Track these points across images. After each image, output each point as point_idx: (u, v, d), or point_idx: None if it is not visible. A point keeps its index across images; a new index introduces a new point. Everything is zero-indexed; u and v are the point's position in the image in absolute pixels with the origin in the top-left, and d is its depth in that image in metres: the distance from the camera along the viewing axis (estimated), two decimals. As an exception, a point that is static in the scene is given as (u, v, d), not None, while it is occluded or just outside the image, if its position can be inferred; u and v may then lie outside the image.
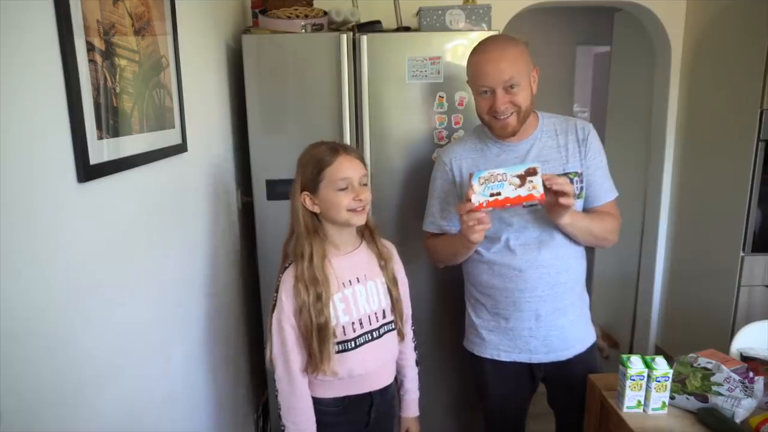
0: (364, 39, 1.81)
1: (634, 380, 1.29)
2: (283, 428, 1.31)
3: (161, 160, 1.21)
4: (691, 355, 1.34)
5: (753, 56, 2.09)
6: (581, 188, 1.47)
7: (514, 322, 1.50)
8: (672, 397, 1.31)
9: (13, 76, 0.71)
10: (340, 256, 1.32)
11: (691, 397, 1.30)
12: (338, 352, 1.29)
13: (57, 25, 0.80)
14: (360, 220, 1.29)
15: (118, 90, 0.99)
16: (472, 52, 1.43)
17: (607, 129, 3.40)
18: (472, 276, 1.58)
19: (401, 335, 1.42)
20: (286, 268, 1.30)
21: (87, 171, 0.87)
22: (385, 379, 1.41)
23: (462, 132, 1.89)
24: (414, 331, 1.52)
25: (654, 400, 1.30)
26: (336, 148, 1.27)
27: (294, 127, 1.88)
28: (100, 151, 0.91)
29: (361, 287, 1.33)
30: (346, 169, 1.25)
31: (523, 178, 1.29)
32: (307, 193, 1.26)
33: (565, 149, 1.47)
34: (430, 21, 1.90)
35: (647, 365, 1.30)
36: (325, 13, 1.93)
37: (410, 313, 1.49)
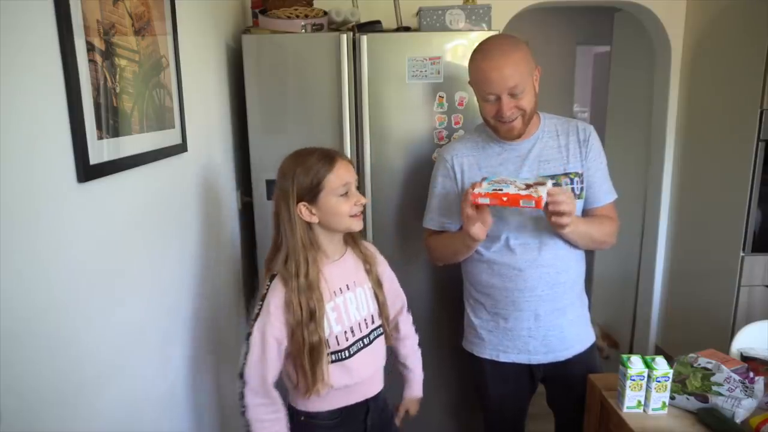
0: (364, 39, 1.81)
1: (634, 380, 1.29)
2: None
3: (161, 160, 1.21)
4: (691, 355, 1.33)
5: (753, 56, 2.09)
6: (581, 189, 1.47)
7: (513, 322, 1.50)
8: (672, 397, 1.31)
9: (14, 76, 0.71)
10: (330, 263, 1.28)
11: (691, 397, 1.30)
12: (332, 362, 1.26)
13: (57, 25, 0.80)
14: (360, 224, 1.28)
15: (118, 90, 0.99)
16: (474, 55, 1.41)
17: (607, 129, 3.40)
18: (471, 275, 1.58)
19: (389, 340, 1.40)
20: (274, 276, 1.25)
21: (87, 171, 0.87)
22: (378, 385, 1.39)
23: (462, 132, 1.89)
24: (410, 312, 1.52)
25: (654, 400, 1.30)
26: (331, 155, 1.24)
27: (294, 127, 1.88)
28: (100, 151, 0.91)
29: (351, 294, 1.30)
30: (344, 175, 1.23)
31: (529, 186, 1.30)
32: (304, 203, 1.21)
33: (566, 149, 1.47)
34: (430, 21, 1.90)
35: (647, 365, 1.30)
36: (325, 13, 1.93)
37: (404, 298, 1.48)
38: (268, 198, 1.90)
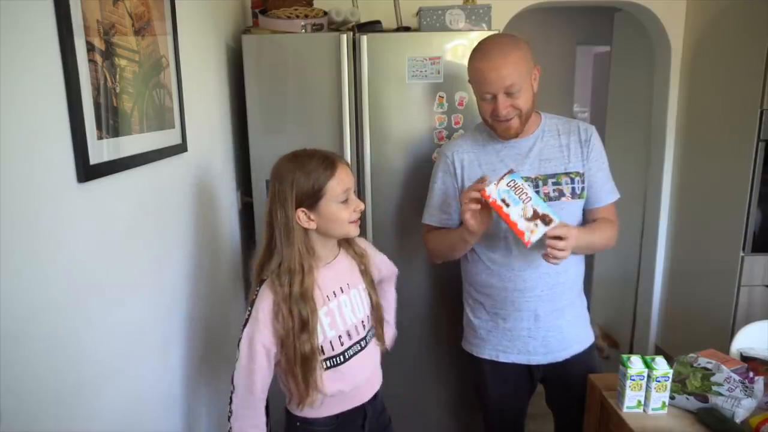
0: (364, 39, 1.81)
1: (634, 380, 1.29)
2: None
3: (161, 160, 1.20)
4: (691, 355, 1.34)
5: (753, 56, 2.09)
6: (582, 188, 1.47)
7: (513, 322, 1.50)
8: (672, 397, 1.31)
9: (14, 76, 0.71)
10: (323, 266, 1.24)
11: (691, 397, 1.30)
12: (327, 368, 1.23)
13: (57, 26, 0.80)
14: (357, 230, 1.25)
15: (118, 90, 0.99)
16: (473, 54, 1.42)
17: (607, 129, 3.40)
18: (470, 275, 1.58)
19: (381, 342, 1.37)
20: (263, 281, 1.21)
21: (87, 171, 0.87)
22: (375, 387, 1.36)
23: (462, 132, 1.89)
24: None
25: (654, 400, 1.30)
26: (332, 159, 1.19)
27: (294, 127, 1.88)
28: (100, 151, 0.91)
29: (345, 297, 1.26)
30: (346, 180, 1.19)
31: (536, 216, 1.27)
32: (303, 209, 1.17)
33: (567, 149, 1.47)
34: (430, 21, 1.90)
35: (647, 365, 1.30)
36: (325, 13, 1.93)
37: (395, 270, 1.48)
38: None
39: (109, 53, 0.95)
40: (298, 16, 1.88)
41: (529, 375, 1.57)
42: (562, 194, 1.45)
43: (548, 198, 1.44)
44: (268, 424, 1.25)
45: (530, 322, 1.49)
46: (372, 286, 1.34)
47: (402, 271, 1.50)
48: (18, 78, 0.72)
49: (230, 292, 1.81)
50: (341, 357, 1.25)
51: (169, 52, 1.26)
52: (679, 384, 1.31)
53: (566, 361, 1.53)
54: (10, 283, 0.70)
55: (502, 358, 1.54)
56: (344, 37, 1.81)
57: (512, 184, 1.29)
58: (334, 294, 1.25)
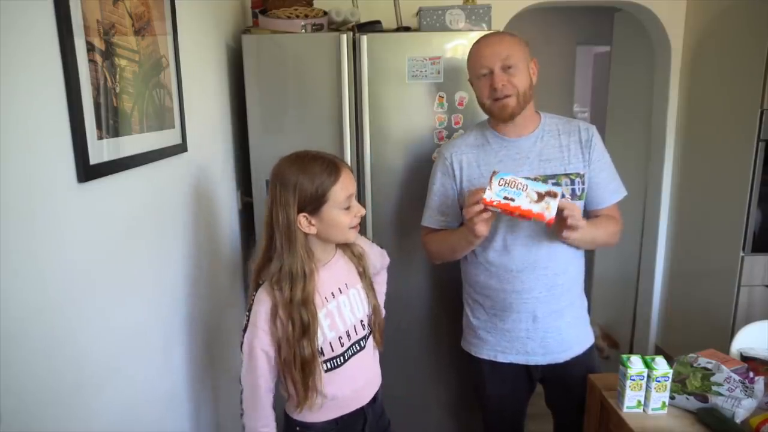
0: (364, 39, 1.81)
1: (634, 380, 1.29)
2: None
3: (161, 160, 1.20)
4: (691, 355, 1.34)
5: (753, 56, 2.09)
6: (582, 190, 1.47)
7: (511, 323, 1.50)
8: (672, 397, 1.31)
9: (13, 76, 0.71)
10: (320, 267, 1.23)
11: (691, 397, 1.30)
12: (327, 370, 1.22)
13: (57, 26, 0.80)
14: (357, 235, 1.25)
15: (118, 90, 0.99)
16: (470, 48, 1.48)
17: (607, 129, 3.40)
18: (469, 276, 1.58)
19: (378, 345, 1.36)
20: (260, 285, 1.20)
21: (87, 171, 0.87)
22: (375, 387, 1.36)
23: (462, 132, 1.88)
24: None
25: (654, 400, 1.30)
26: (336, 164, 1.17)
27: (294, 127, 1.88)
28: (100, 151, 0.91)
29: (344, 298, 1.26)
30: (349, 186, 1.18)
31: (541, 197, 1.27)
32: (305, 215, 1.15)
33: (567, 149, 1.47)
34: (430, 21, 1.90)
35: (647, 365, 1.30)
36: (325, 13, 1.93)
37: (387, 261, 1.47)
38: (269, 198, 1.89)
39: (109, 53, 0.95)
40: (298, 16, 1.88)
41: (527, 375, 1.57)
42: (561, 197, 1.44)
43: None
44: None
45: (528, 323, 1.49)
46: (371, 288, 1.33)
47: (402, 271, 1.50)
48: (18, 78, 0.72)
49: (230, 292, 1.81)
50: (341, 358, 1.24)
51: (169, 52, 1.26)
52: (679, 384, 1.31)
53: (566, 362, 1.53)
54: (10, 283, 0.70)
55: (501, 359, 1.54)
56: (344, 37, 1.81)
57: (503, 182, 1.28)
58: (333, 295, 1.24)
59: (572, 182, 1.45)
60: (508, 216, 1.34)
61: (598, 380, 1.46)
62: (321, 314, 1.20)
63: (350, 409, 1.29)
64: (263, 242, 1.21)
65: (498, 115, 1.44)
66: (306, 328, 1.15)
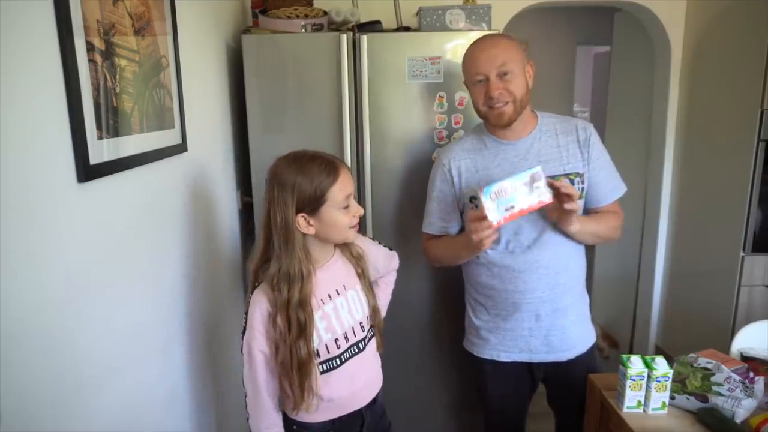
0: (364, 39, 1.81)
1: (634, 380, 1.29)
2: None
3: (161, 160, 1.20)
4: (691, 355, 1.34)
5: (753, 56, 2.09)
6: (582, 189, 1.47)
7: (514, 322, 1.50)
8: (672, 397, 1.31)
9: (13, 76, 0.71)
10: (317, 268, 1.21)
11: (691, 397, 1.30)
12: (323, 372, 1.21)
13: (57, 26, 0.80)
14: (356, 234, 1.25)
15: (118, 90, 0.99)
16: (465, 51, 1.46)
17: (607, 129, 3.40)
18: (471, 277, 1.58)
19: (380, 347, 1.35)
20: (256, 286, 1.20)
21: (87, 171, 0.87)
22: (373, 392, 1.34)
23: (462, 132, 1.89)
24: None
25: (654, 400, 1.30)
26: (335, 164, 1.16)
27: (294, 127, 1.88)
28: (100, 151, 0.91)
29: (342, 299, 1.24)
30: (348, 186, 1.17)
31: (530, 186, 1.29)
32: (303, 215, 1.14)
33: (565, 149, 1.46)
34: (430, 21, 1.90)
35: (647, 365, 1.30)
36: (325, 13, 1.93)
37: (395, 265, 1.45)
38: (268, 198, 1.89)
39: (109, 53, 0.95)
40: (298, 16, 1.88)
41: (530, 375, 1.57)
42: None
43: None
44: None
45: (531, 321, 1.49)
46: (370, 289, 1.32)
47: (402, 271, 1.50)
48: (18, 78, 0.72)
49: (230, 292, 1.81)
50: (337, 360, 1.23)
51: (169, 52, 1.26)
52: (679, 384, 1.31)
53: (569, 361, 1.53)
54: (9, 283, 0.70)
55: (504, 358, 1.54)
56: (344, 37, 1.81)
57: (495, 196, 1.27)
58: (330, 297, 1.23)
59: (572, 182, 1.45)
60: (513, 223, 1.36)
61: (598, 380, 1.46)
62: (317, 316, 1.19)
63: (348, 410, 1.29)
64: (261, 243, 1.21)
65: (495, 123, 1.44)
66: (303, 329, 1.15)
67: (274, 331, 1.17)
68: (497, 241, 1.47)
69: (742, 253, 2.20)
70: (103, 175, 0.92)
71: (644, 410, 1.31)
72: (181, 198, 1.36)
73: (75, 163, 0.85)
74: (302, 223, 1.15)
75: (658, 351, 2.79)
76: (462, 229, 1.58)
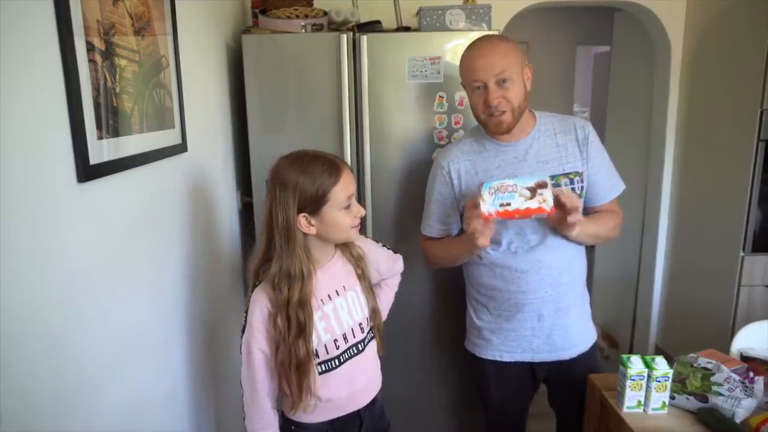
0: (364, 39, 1.81)
1: (634, 380, 1.29)
2: None
3: (161, 160, 1.20)
4: (691, 355, 1.34)
5: (753, 56, 2.09)
6: (582, 188, 1.47)
7: (516, 323, 1.50)
8: (672, 397, 1.31)
9: (13, 76, 0.71)
10: (317, 269, 1.21)
11: (691, 397, 1.30)
12: (321, 373, 1.21)
13: (57, 25, 0.80)
14: (358, 234, 1.24)
15: (118, 90, 0.99)
16: (463, 52, 1.44)
17: (607, 129, 3.40)
18: (473, 278, 1.57)
19: (380, 349, 1.35)
20: (256, 285, 1.20)
21: (87, 171, 0.87)
22: (371, 394, 1.34)
23: (462, 132, 1.88)
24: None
25: (654, 400, 1.30)
26: (337, 164, 1.16)
27: (294, 127, 1.88)
28: (100, 151, 0.91)
29: (342, 300, 1.24)
30: (350, 186, 1.17)
31: (533, 191, 1.27)
32: (305, 215, 1.14)
33: (564, 149, 1.46)
34: (430, 21, 1.90)
35: (647, 365, 1.30)
36: (325, 13, 1.93)
37: (399, 268, 1.44)
38: (268, 198, 1.89)
39: (109, 53, 0.95)
40: (298, 16, 1.88)
41: (532, 375, 1.57)
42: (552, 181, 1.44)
43: None
44: None
45: (533, 321, 1.49)
46: (370, 290, 1.32)
47: (403, 272, 1.50)
48: (18, 78, 0.72)
49: (230, 292, 1.81)
50: (336, 361, 1.23)
51: (169, 52, 1.26)
52: (679, 384, 1.31)
53: (570, 361, 1.53)
54: (9, 283, 0.70)
55: (506, 358, 1.54)
56: (344, 37, 1.81)
57: (493, 190, 1.28)
58: (329, 297, 1.23)
59: (571, 181, 1.45)
60: (512, 220, 1.35)
61: (598, 380, 1.46)
62: (316, 316, 1.19)
63: (346, 411, 1.28)
64: (262, 243, 1.21)
65: (494, 131, 1.43)
66: (302, 329, 1.15)
67: (274, 330, 1.17)
68: (498, 242, 1.47)
69: (742, 253, 2.20)
70: (103, 175, 0.92)
71: (644, 410, 1.31)
72: (181, 198, 1.36)
73: (75, 163, 0.85)
74: (303, 223, 1.15)
75: (658, 351, 2.79)
76: (461, 232, 1.58)
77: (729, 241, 2.25)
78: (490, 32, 1.86)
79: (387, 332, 1.39)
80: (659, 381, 1.28)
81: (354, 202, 1.20)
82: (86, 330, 0.89)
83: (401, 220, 1.96)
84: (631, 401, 1.31)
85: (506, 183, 1.28)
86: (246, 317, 1.20)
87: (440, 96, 1.88)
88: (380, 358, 1.38)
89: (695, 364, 1.30)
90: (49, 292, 0.80)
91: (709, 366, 1.28)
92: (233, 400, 1.65)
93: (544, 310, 1.47)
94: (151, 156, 1.14)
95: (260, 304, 1.17)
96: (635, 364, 1.30)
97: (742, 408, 1.24)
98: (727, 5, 2.28)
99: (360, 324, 1.28)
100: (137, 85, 1.07)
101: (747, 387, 1.23)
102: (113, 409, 0.98)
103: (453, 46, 1.85)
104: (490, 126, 1.42)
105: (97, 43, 0.91)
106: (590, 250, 1.60)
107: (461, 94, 1.87)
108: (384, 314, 1.42)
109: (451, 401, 2.13)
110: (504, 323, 1.52)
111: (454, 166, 1.51)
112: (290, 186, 1.13)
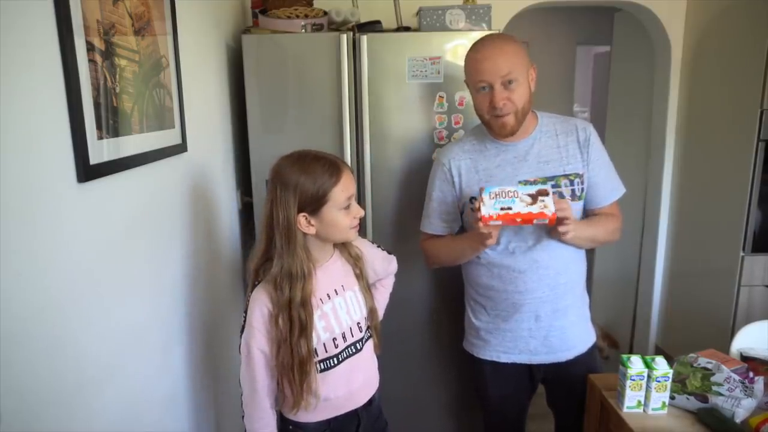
0: (364, 39, 1.81)
1: (634, 380, 1.29)
2: None
3: (161, 160, 1.20)
4: (691, 355, 1.34)
5: (753, 56, 2.09)
6: (582, 190, 1.47)
7: (514, 323, 1.50)
8: (672, 397, 1.31)
9: (13, 76, 0.71)
10: (316, 268, 1.22)
11: (691, 397, 1.30)
12: (320, 371, 1.22)
13: (57, 25, 0.80)
14: (357, 234, 1.25)
15: (118, 90, 0.99)
16: (468, 52, 1.43)
17: (607, 129, 3.40)
18: (471, 278, 1.57)
19: (377, 348, 1.35)
20: (256, 285, 1.20)
21: (87, 171, 0.87)
22: (369, 393, 1.34)
23: (462, 132, 1.88)
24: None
25: (654, 400, 1.30)
26: (337, 165, 1.17)
27: (294, 127, 1.88)
28: (100, 151, 0.91)
29: (341, 299, 1.25)
30: (350, 187, 1.18)
31: (534, 198, 1.29)
32: (305, 215, 1.15)
33: (565, 150, 1.46)
34: (430, 21, 1.90)
35: (647, 365, 1.30)
36: (325, 13, 1.93)
37: (393, 269, 1.45)
38: (268, 198, 1.89)
39: (109, 53, 0.95)
40: (298, 16, 1.88)
41: (529, 375, 1.57)
42: (561, 197, 1.44)
43: None
44: None
45: (531, 322, 1.49)
46: (368, 290, 1.33)
47: (402, 271, 1.50)
48: (18, 78, 0.72)
49: (230, 292, 1.81)
50: (334, 359, 1.24)
51: (169, 52, 1.26)
52: (679, 384, 1.31)
53: (568, 362, 1.52)
54: (10, 283, 0.70)
55: (504, 359, 1.54)
56: (344, 37, 1.81)
57: (494, 195, 1.29)
58: (328, 296, 1.24)
59: (571, 183, 1.45)
60: (513, 225, 1.36)
61: (598, 380, 1.46)
62: (316, 315, 1.20)
63: (344, 410, 1.29)
64: (262, 242, 1.21)
65: (497, 131, 1.43)
66: (304, 328, 1.16)
67: (274, 330, 1.17)
68: (497, 242, 1.46)
69: (742, 253, 2.20)
70: (103, 175, 0.92)
71: (644, 410, 1.31)
72: (181, 198, 1.36)
73: (75, 163, 0.85)
74: (303, 222, 1.16)
75: (658, 351, 2.79)
76: (461, 229, 1.58)
77: (729, 241, 2.25)
78: (491, 32, 1.86)
79: (386, 332, 1.39)
80: (659, 381, 1.28)
81: (353, 203, 1.21)
82: (86, 330, 0.89)
83: (401, 220, 1.96)
84: (631, 401, 1.31)
85: (507, 189, 1.29)
86: (245, 317, 1.20)
87: (440, 96, 1.88)
88: (378, 357, 1.38)
89: (695, 364, 1.31)
90: (50, 292, 0.80)
91: (709, 366, 1.28)
92: (233, 400, 1.65)
93: (542, 311, 1.47)
94: (151, 156, 1.14)
95: (260, 304, 1.18)
96: (635, 364, 1.30)
97: (742, 408, 1.24)
98: (727, 5, 2.28)
99: (358, 323, 1.28)
100: (137, 85, 1.07)
101: (747, 387, 1.23)
102: (113, 409, 0.98)
103: (453, 46, 1.85)
104: (494, 127, 1.42)
105: (97, 43, 0.91)
106: (590, 250, 1.60)
107: (461, 94, 1.87)
108: (380, 314, 1.43)
109: (450, 401, 2.13)
110: (501, 323, 1.52)
111: (455, 163, 1.51)
112: (291, 185, 1.14)
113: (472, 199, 1.48)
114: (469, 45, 1.48)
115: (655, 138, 2.75)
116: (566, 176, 1.45)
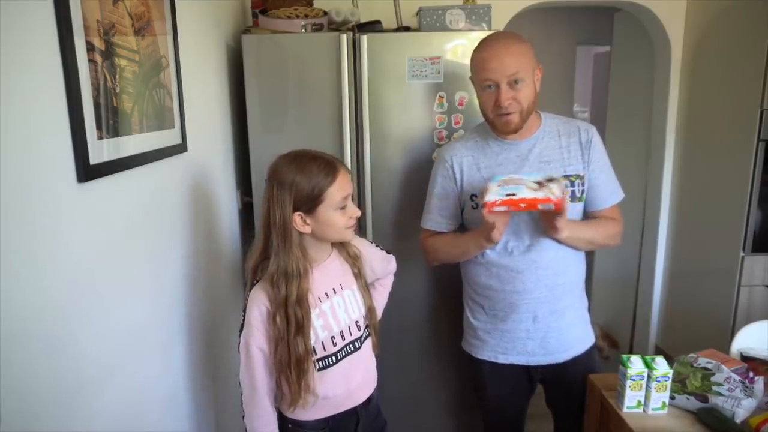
0: (364, 39, 1.81)
1: (634, 380, 1.29)
2: None
3: (161, 160, 1.20)
4: (691, 355, 1.34)
5: (753, 56, 2.09)
6: (582, 191, 1.47)
7: (511, 323, 1.50)
8: (672, 397, 1.32)
9: (13, 76, 0.71)
10: (313, 267, 1.22)
11: (691, 397, 1.30)
12: (319, 369, 1.22)
13: (57, 26, 0.80)
14: (353, 234, 1.25)
15: (118, 90, 0.99)
16: (476, 48, 1.43)
17: (607, 129, 3.40)
18: (469, 277, 1.57)
19: (376, 347, 1.36)
20: (254, 284, 1.21)
21: (87, 171, 0.87)
22: (368, 391, 1.34)
23: (462, 132, 1.88)
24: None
25: (654, 400, 1.30)
26: (334, 164, 1.17)
27: (294, 127, 1.88)
28: (100, 151, 0.91)
29: (339, 298, 1.26)
30: (346, 187, 1.18)
31: (541, 185, 1.28)
32: (300, 213, 1.16)
33: (567, 151, 1.46)
34: (430, 21, 1.90)
35: (647, 365, 1.30)
36: (325, 13, 1.93)
37: (392, 268, 1.45)
38: (268, 198, 1.89)
39: (109, 53, 0.95)
40: (298, 16, 1.88)
41: (528, 376, 1.57)
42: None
43: None
44: None
45: (528, 323, 1.49)
46: (366, 289, 1.33)
47: (401, 271, 1.50)
48: (18, 78, 0.72)
49: (230, 292, 1.81)
50: (333, 358, 1.24)
51: (169, 52, 1.26)
52: (679, 384, 1.31)
53: (566, 363, 1.52)
54: (10, 283, 0.70)
55: (502, 360, 1.54)
56: (344, 37, 1.81)
57: (502, 182, 1.30)
58: (326, 295, 1.24)
59: (572, 184, 1.45)
60: (516, 214, 1.36)
61: (598, 380, 1.46)
62: (314, 314, 1.20)
63: (342, 408, 1.29)
64: (260, 241, 1.22)
65: (501, 130, 1.43)
66: (300, 326, 1.16)
67: (272, 328, 1.17)
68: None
69: (742, 253, 2.20)
70: (103, 175, 0.92)
71: (644, 410, 1.31)
72: (181, 198, 1.36)
73: (75, 163, 0.85)
74: (299, 221, 1.16)
75: (658, 351, 2.79)
76: (462, 227, 1.58)
77: (729, 241, 2.25)
78: (491, 32, 1.85)
79: (385, 331, 1.39)
80: (659, 381, 1.28)
81: (350, 203, 1.21)
82: (86, 330, 0.89)
83: (401, 219, 1.96)
84: (631, 401, 1.31)
85: (515, 177, 1.31)
86: (244, 316, 1.20)
87: (440, 96, 1.88)
88: (377, 356, 1.38)
89: (695, 364, 1.31)
90: (50, 292, 0.80)
91: (709, 366, 1.28)
92: (233, 399, 1.65)
93: (539, 312, 1.47)
94: (151, 156, 1.14)
95: (258, 303, 1.18)
96: (635, 364, 1.30)
97: (742, 408, 1.24)
98: (727, 5, 2.28)
99: (357, 322, 1.29)
100: (137, 85, 1.07)
101: (747, 387, 1.23)
102: (113, 409, 0.98)
103: (453, 46, 1.85)
104: (498, 125, 1.42)
105: (97, 43, 0.91)
106: (590, 251, 1.60)
107: (461, 94, 1.87)
108: (378, 313, 1.43)
109: (449, 400, 2.13)
110: (499, 324, 1.52)
111: (457, 160, 1.51)
112: (287, 184, 1.14)
113: (473, 196, 1.48)
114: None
115: (655, 138, 2.75)
116: (567, 177, 1.45)
